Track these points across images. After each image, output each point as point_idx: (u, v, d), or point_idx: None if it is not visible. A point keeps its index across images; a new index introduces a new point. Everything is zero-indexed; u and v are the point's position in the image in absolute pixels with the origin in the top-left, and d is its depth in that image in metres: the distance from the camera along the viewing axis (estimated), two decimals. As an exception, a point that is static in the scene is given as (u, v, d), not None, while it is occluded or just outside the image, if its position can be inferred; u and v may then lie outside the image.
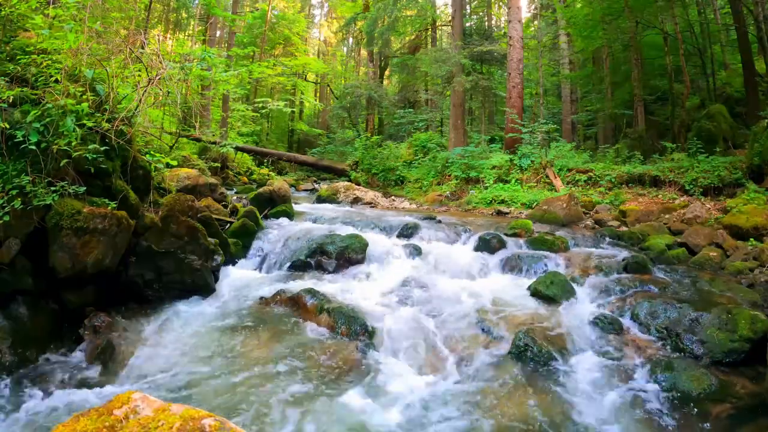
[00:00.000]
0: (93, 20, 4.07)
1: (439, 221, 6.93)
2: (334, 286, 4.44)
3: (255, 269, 5.14)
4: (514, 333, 3.43)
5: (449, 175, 11.64)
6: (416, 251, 5.38)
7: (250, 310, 3.97)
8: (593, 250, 5.64)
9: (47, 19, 3.74)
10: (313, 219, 6.95)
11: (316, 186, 14.32)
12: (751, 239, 5.69)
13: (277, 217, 6.66)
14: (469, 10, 21.67)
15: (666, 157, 9.28)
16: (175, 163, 4.41)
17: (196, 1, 22.15)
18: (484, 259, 5.29)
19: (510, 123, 12.19)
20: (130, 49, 4.14)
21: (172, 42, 19.77)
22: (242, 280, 4.66)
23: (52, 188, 3.10)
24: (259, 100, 19.80)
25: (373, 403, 2.69)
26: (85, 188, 3.27)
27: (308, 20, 30.82)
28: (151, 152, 4.35)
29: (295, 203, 8.07)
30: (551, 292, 4.20)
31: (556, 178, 10.03)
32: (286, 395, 2.72)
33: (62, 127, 3.12)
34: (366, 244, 5.23)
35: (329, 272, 4.93)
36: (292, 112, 24.95)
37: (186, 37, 23.66)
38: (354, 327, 3.51)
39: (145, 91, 3.97)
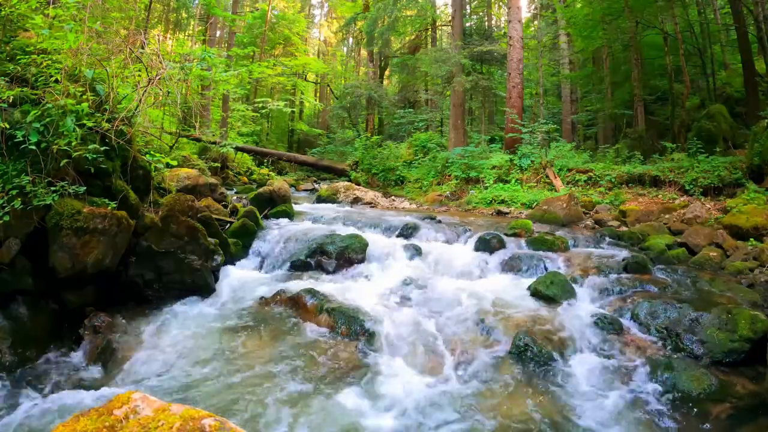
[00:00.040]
0: (93, 20, 4.07)
1: (439, 221, 6.93)
2: (334, 286, 4.44)
3: (255, 269, 5.14)
4: (514, 333, 3.43)
5: (449, 175, 11.65)
6: (416, 251, 5.38)
7: (250, 310, 3.97)
8: (593, 250, 5.64)
9: (47, 19, 3.75)
10: (313, 219, 6.95)
11: (316, 186, 14.31)
12: (751, 239, 5.69)
13: (277, 217, 6.67)
14: (469, 10, 21.67)
15: (666, 157, 9.27)
16: (175, 163, 4.41)
17: (196, 1, 22.16)
18: (484, 259, 5.29)
19: (510, 123, 12.19)
20: (130, 49, 4.14)
21: (172, 42, 19.77)
22: (242, 280, 4.66)
23: (52, 188, 3.11)
24: (259, 100, 19.80)
25: (373, 403, 2.69)
26: (85, 188, 3.28)
27: (308, 20, 30.82)
28: (151, 152, 4.36)
29: (295, 203, 8.07)
30: (551, 292, 4.20)
31: (556, 178, 10.02)
32: (285, 395, 2.72)
33: (62, 127, 3.12)
34: (366, 244, 5.24)
35: (329, 272, 4.93)
36: (292, 112, 24.95)
37: (186, 37, 23.66)
38: (354, 327, 3.51)
39: (145, 91, 3.97)
